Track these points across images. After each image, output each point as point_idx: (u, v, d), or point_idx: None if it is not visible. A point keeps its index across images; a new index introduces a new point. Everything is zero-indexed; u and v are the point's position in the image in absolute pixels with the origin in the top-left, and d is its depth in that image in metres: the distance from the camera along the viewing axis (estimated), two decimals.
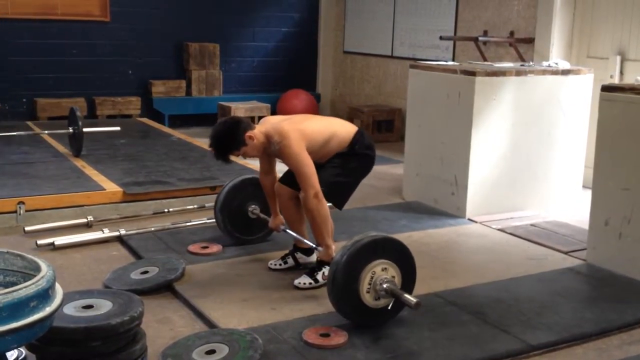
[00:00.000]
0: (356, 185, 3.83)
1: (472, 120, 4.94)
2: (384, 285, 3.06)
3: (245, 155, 3.61)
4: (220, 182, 5.37)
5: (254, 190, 4.16)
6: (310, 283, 3.62)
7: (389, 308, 3.13)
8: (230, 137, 3.51)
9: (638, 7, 5.74)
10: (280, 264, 3.90)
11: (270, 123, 3.64)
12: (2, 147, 6.33)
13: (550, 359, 3.02)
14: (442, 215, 5.10)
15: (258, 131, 3.55)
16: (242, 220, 4.21)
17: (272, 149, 3.58)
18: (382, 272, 3.09)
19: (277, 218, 3.94)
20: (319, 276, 3.63)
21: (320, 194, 3.48)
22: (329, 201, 3.63)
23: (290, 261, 3.91)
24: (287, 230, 3.90)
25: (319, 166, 3.62)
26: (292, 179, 3.71)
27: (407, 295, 3.04)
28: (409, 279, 3.21)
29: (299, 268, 3.87)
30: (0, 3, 7.89)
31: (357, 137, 3.72)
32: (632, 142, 3.90)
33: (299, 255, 3.91)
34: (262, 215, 4.15)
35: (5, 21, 7.91)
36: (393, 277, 3.11)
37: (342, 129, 3.73)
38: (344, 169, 3.68)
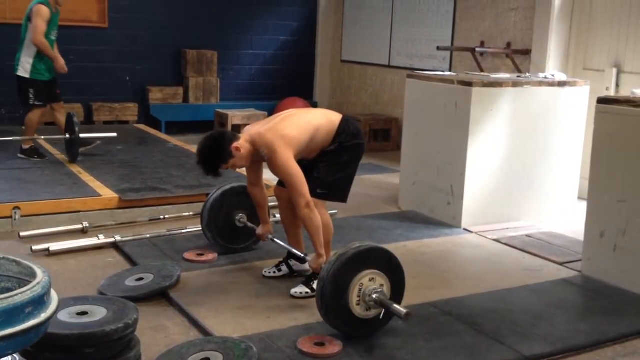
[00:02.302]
0: (354, 174, 3.79)
1: (469, 131, 4.96)
2: (374, 296, 3.06)
3: (234, 167, 3.59)
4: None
5: (239, 199, 4.16)
6: (307, 292, 3.62)
7: (380, 318, 3.12)
8: (216, 151, 3.47)
9: (634, 20, 5.78)
10: (274, 272, 3.91)
11: (254, 131, 3.58)
12: None
13: None
14: (438, 225, 5.11)
15: (244, 141, 3.51)
16: (230, 229, 4.20)
17: (260, 155, 3.56)
18: (370, 283, 3.08)
19: (265, 227, 3.94)
20: (315, 285, 3.62)
21: (312, 203, 3.45)
22: (333, 200, 3.66)
23: (285, 269, 3.91)
24: (275, 240, 3.89)
25: (310, 164, 3.61)
26: None
27: (396, 306, 3.04)
28: (398, 286, 3.21)
29: (294, 275, 3.87)
30: None
31: (343, 126, 3.66)
32: (628, 154, 3.92)
33: (292, 262, 3.91)
34: (249, 224, 4.15)
35: (3, 26, 7.91)
36: (382, 285, 3.11)
37: (326, 121, 3.66)
38: (338, 165, 3.65)
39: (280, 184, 3.80)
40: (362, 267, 3.08)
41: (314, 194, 3.51)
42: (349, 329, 3.11)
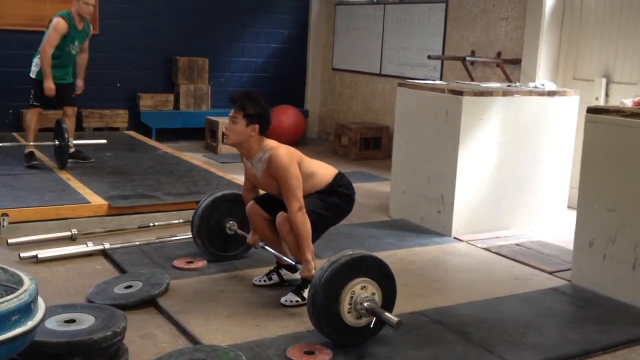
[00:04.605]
0: (333, 223, 3.82)
1: (459, 139, 4.97)
2: (365, 304, 3.05)
3: (232, 134, 3.55)
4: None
5: (230, 206, 4.16)
6: (297, 301, 3.60)
7: (371, 326, 3.12)
8: (261, 106, 3.53)
9: (624, 30, 5.82)
10: (264, 280, 3.89)
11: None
12: None
13: None
14: (428, 233, 5.11)
15: (259, 136, 3.56)
16: (220, 237, 4.19)
17: (258, 161, 3.57)
18: (361, 291, 3.08)
19: (256, 235, 3.93)
20: (306, 293, 3.61)
21: (304, 209, 3.49)
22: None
23: (275, 278, 3.90)
24: (266, 247, 3.89)
25: None
26: (267, 202, 3.75)
27: (387, 314, 3.04)
28: (389, 295, 3.20)
29: (284, 284, 3.86)
30: None
31: (337, 178, 3.76)
32: (617, 164, 3.93)
33: (283, 272, 3.90)
34: (239, 231, 4.14)
35: None
36: (373, 294, 3.10)
37: (324, 170, 3.78)
38: (324, 202, 3.68)
39: (258, 201, 3.79)
40: (354, 275, 3.08)
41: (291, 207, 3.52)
42: (339, 336, 3.10)
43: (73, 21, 6.11)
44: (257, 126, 3.53)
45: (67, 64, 6.30)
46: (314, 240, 3.67)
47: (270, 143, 3.60)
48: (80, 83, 6.49)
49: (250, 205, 3.82)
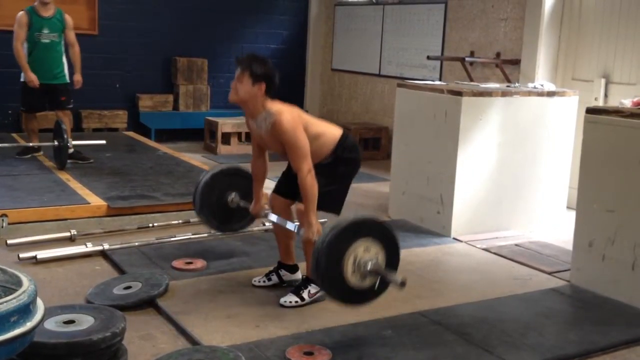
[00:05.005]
0: (347, 188, 3.78)
1: (459, 140, 4.97)
2: (368, 265, 3.04)
3: (238, 91, 3.52)
4: None
5: (230, 180, 4.09)
6: (296, 301, 3.60)
7: (376, 288, 3.10)
8: (267, 66, 3.49)
9: (623, 30, 5.82)
10: (264, 281, 3.89)
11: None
12: None
13: None
14: (427, 233, 5.11)
15: (264, 97, 3.51)
16: (224, 211, 4.11)
17: (263, 121, 3.51)
18: (364, 253, 3.07)
19: (258, 204, 3.88)
20: (305, 294, 3.61)
21: (313, 171, 3.43)
22: (325, 210, 3.58)
23: (275, 278, 3.89)
24: (270, 215, 3.81)
25: None
26: (285, 188, 3.72)
27: (391, 274, 3.02)
28: (393, 256, 3.18)
29: (283, 285, 3.85)
30: None
31: (343, 139, 3.69)
32: (616, 164, 3.93)
33: (283, 272, 3.89)
34: (242, 204, 4.05)
35: None
36: (377, 255, 3.09)
37: (330, 130, 3.70)
38: (332, 177, 3.62)
39: (277, 191, 3.79)
40: (356, 237, 3.06)
41: None
42: (345, 298, 3.11)
43: (34, 10, 6.21)
44: (263, 85, 3.48)
45: (44, 57, 6.28)
46: (339, 212, 3.65)
47: (274, 106, 3.51)
48: (77, 77, 6.45)
49: (271, 197, 3.80)
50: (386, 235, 3.18)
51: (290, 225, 3.66)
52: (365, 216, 3.21)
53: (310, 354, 3.02)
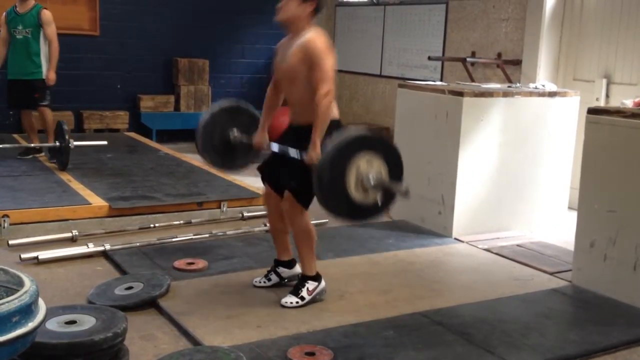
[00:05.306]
0: None
1: (460, 141, 4.97)
2: (371, 178, 3.02)
3: (286, 10, 3.50)
4: (207, 198, 5.37)
5: (230, 117, 4.00)
6: (297, 302, 3.60)
7: (379, 203, 3.08)
8: None
9: (624, 31, 5.82)
10: (264, 282, 3.89)
11: None
12: None
13: None
14: (428, 234, 5.11)
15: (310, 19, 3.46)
16: (227, 148, 4.00)
17: (294, 43, 3.47)
18: (367, 167, 3.04)
19: (263, 134, 3.81)
20: (304, 292, 3.62)
21: (332, 95, 3.37)
22: (301, 200, 3.49)
23: (274, 277, 3.89)
24: (272, 145, 3.72)
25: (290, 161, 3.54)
26: (278, 179, 3.67)
27: (395, 184, 2.99)
28: (396, 170, 3.15)
29: (283, 282, 3.86)
30: None
31: (340, 124, 3.59)
32: (618, 165, 3.93)
33: (280, 269, 3.89)
34: (245, 139, 3.94)
35: None
36: (379, 169, 3.06)
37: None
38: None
39: (269, 180, 3.75)
40: (358, 152, 3.03)
41: (288, 187, 3.49)
42: (349, 214, 3.10)
43: (14, 7, 6.38)
44: (314, 3, 3.44)
45: (18, 53, 6.38)
46: (306, 207, 3.57)
47: (314, 29, 3.47)
48: (49, 74, 6.41)
49: (266, 190, 3.79)
50: (388, 149, 3.13)
51: (293, 152, 3.54)
52: (366, 132, 3.15)
53: (311, 354, 3.02)
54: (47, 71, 6.42)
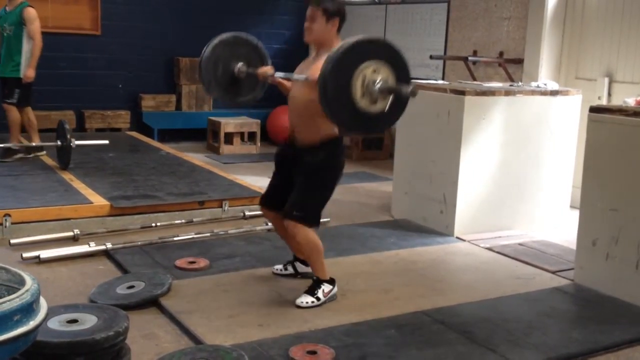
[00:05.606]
0: (330, 195, 3.68)
1: (461, 139, 4.96)
2: (377, 85, 2.97)
3: (313, 31, 3.51)
4: (208, 197, 5.37)
5: (231, 50, 3.93)
6: (312, 302, 3.60)
7: (386, 110, 3.02)
8: (339, 2, 3.48)
9: (626, 29, 5.81)
10: (281, 270, 4.00)
11: None
12: None
13: None
14: (430, 233, 5.11)
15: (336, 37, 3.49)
16: (232, 83, 3.95)
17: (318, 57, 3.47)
18: (373, 74, 2.99)
19: (269, 67, 3.82)
20: (320, 294, 3.62)
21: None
22: (306, 224, 3.52)
23: (290, 269, 3.98)
24: (277, 74, 3.70)
25: (292, 177, 3.58)
26: (275, 198, 3.72)
27: (402, 86, 2.93)
28: (402, 75, 3.08)
29: (297, 277, 3.92)
30: None
31: (340, 139, 3.61)
32: (620, 163, 3.93)
33: (298, 264, 3.96)
34: (250, 70, 3.89)
35: None
36: (386, 76, 3.01)
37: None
38: (318, 185, 3.58)
39: (266, 203, 3.79)
40: (363, 59, 2.98)
41: (289, 215, 3.51)
42: (356, 124, 3.04)
43: (5, 6, 6.46)
44: (337, 20, 3.48)
45: (3, 50, 6.44)
46: (317, 226, 3.63)
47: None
48: (27, 71, 6.36)
49: (264, 211, 3.86)
50: (393, 56, 3.07)
51: (298, 76, 3.53)
52: (370, 37, 3.09)
53: (313, 353, 3.02)
54: (26, 68, 6.38)
